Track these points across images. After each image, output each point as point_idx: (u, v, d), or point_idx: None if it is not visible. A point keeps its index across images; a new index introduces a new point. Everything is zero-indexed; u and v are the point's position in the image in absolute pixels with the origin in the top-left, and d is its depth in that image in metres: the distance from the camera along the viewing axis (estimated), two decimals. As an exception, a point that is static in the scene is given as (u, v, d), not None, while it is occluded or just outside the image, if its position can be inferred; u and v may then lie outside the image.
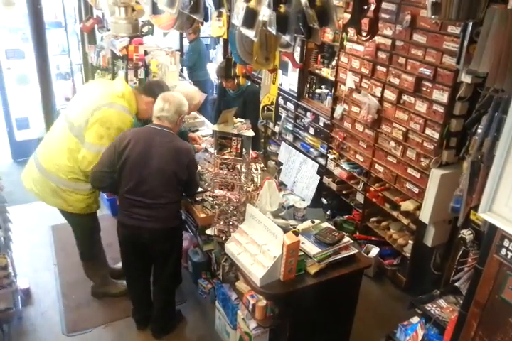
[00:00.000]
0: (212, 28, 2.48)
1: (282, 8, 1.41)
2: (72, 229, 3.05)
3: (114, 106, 2.71)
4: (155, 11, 2.40)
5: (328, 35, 3.98)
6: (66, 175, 2.75)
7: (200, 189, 2.93)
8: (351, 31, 3.44)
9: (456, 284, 2.19)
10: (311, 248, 2.38)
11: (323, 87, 4.43)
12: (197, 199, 2.93)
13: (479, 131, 1.86)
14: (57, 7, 5.71)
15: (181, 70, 4.96)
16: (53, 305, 3.22)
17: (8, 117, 5.11)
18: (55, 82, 5.53)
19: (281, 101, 4.73)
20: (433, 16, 1.86)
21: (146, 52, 3.84)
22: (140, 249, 2.73)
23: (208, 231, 2.74)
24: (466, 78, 2.65)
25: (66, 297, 3.29)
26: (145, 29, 3.94)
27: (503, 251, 1.52)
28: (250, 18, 1.45)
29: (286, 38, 1.46)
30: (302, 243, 2.35)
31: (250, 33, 1.48)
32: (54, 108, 5.21)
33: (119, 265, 3.39)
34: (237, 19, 1.48)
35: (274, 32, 1.43)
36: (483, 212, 1.54)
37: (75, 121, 2.73)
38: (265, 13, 1.45)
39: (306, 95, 4.58)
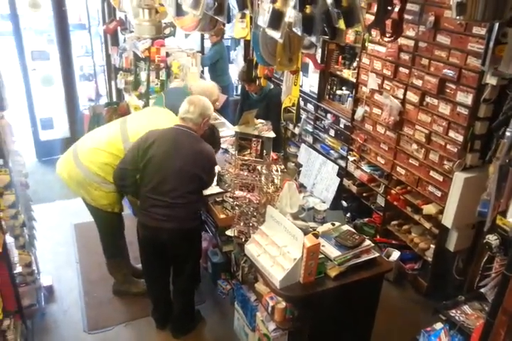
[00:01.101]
0: (235, 30, 2.49)
1: (308, 9, 1.41)
2: (95, 224, 3.11)
3: None
4: (179, 12, 2.42)
5: (349, 36, 3.94)
6: (97, 170, 2.83)
7: (220, 190, 2.94)
8: (374, 32, 3.41)
9: (482, 290, 2.14)
10: (332, 251, 2.36)
11: (343, 88, 4.40)
12: (217, 200, 2.94)
13: (508, 133, 1.81)
14: (81, 9, 5.83)
15: (202, 72, 4.99)
16: (75, 302, 3.27)
17: (33, 117, 5.21)
18: (79, 83, 5.64)
19: (301, 102, 4.70)
20: (458, 17, 1.83)
21: (167, 54, 3.89)
22: (159, 249, 2.75)
23: (228, 232, 2.75)
24: (491, 80, 2.60)
25: (88, 295, 3.34)
26: (167, 31, 3.99)
27: (532, 258, 1.47)
28: (276, 19, 1.44)
29: (311, 39, 1.45)
30: (322, 245, 2.33)
31: (276, 34, 1.47)
32: (77, 108, 5.31)
33: (140, 265, 3.43)
34: (263, 20, 1.48)
35: (299, 33, 1.43)
36: None
37: (131, 137, 2.82)
38: (291, 15, 1.45)
39: (327, 96, 4.55)
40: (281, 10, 1.46)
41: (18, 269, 2.77)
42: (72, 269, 3.60)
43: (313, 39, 1.45)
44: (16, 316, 2.60)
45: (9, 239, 2.63)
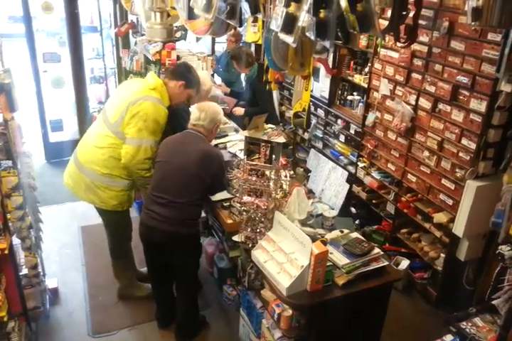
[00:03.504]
0: (247, 34, 2.47)
1: (322, 14, 1.39)
2: (104, 225, 3.10)
3: (148, 99, 2.79)
4: (190, 16, 2.40)
5: (361, 41, 3.91)
6: (101, 169, 2.83)
7: (228, 195, 2.91)
8: (387, 38, 3.37)
9: (494, 303, 2.09)
10: (340, 258, 2.32)
11: (355, 93, 4.36)
12: (224, 205, 2.91)
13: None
14: (93, 12, 5.86)
15: (212, 75, 4.96)
16: (80, 305, 3.26)
17: (43, 119, 5.24)
18: (89, 86, 5.65)
19: (311, 107, 4.68)
20: (473, 23, 1.79)
21: (178, 57, 3.86)
22: (157, 250, 2.74)
23: (235, 238, 2.72)
24: (506, 87, 2.55)
25: (93, 298, 3.32)
26: (178, 34, 3.98)
27: (548, 271, 1.43)
28: (290, 23, 1.42)
29: (325, 43, 1.43)
30: (330, 253, 2.30)
31: (289, 39, 1.45)
32: (87, 111, 5.33)
33: (145, 269, 3.41)
34: (276, 24, 1.46)
35: (312, 37, 1.41)
36: (527, 229, 1.46)
37: (111, 118, 2.83)
38: (304, 19, 1.43)
39: (338, 102, 4.52)
40: (295, 14, 1.43)
41: (24, 271, 2.77)
42: (78, 272, 3.59)
43: (326, 44, 1.42)
44: (20, 318, 2.59)
45: (16, 241, 2.63)
